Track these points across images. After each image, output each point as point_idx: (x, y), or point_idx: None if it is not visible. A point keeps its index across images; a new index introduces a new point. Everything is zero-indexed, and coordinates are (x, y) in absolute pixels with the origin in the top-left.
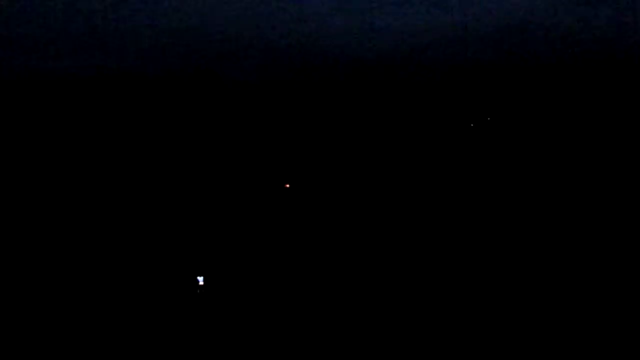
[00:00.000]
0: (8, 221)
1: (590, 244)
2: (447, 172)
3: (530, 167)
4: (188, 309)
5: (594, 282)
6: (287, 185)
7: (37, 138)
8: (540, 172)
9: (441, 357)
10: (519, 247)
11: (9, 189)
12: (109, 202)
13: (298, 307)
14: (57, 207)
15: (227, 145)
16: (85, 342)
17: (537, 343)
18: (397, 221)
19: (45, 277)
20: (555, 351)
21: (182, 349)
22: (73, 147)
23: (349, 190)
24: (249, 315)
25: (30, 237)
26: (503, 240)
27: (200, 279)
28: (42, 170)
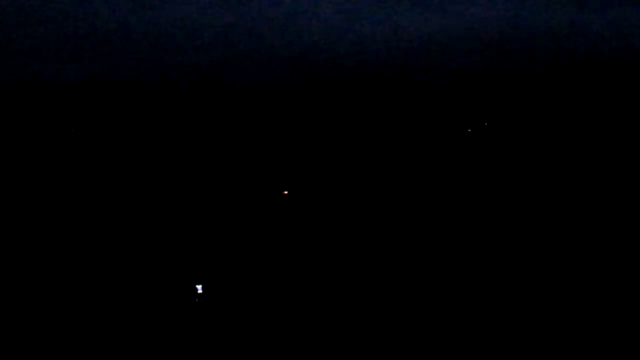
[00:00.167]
0: (1, 224)
1: (586, 242)
2: (445, 176)
3: (528, 170)
4: (187, 315)
5: (591, 283)
6: (286, 192)
7: (34, 143)
8: (537, 174)
9: (441, 357)
10: (516, 248)
11: (5, 192)
12: (106, 207)
13: (295, 310)
14: (53, 212)
15: (227, 150)
16: (84, 345)
17: (536, 342)
18: (392, 223)
19: (46, 284)
20: (555, 351)
21: (181, 352)
22: (73, 154)
23: (348, 193)
24: (247, 319)
25: (22, 245)
26: (499, 241)
27: (199, 287)
28: (39, 175)
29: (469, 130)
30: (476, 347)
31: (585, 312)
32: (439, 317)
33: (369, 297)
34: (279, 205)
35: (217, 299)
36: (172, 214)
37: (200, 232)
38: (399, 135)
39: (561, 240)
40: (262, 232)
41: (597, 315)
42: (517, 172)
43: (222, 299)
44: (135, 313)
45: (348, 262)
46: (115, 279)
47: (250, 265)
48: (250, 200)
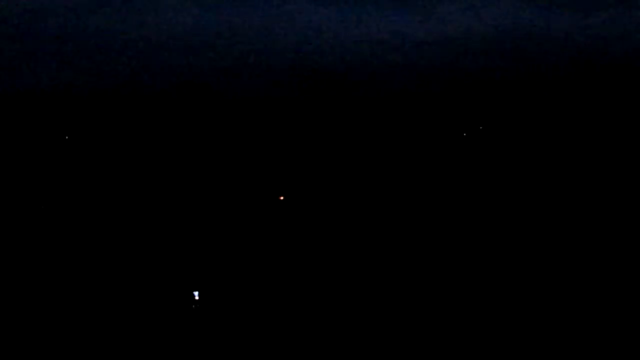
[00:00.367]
0: None
1: (586, 246)
2: (442, 178)
3: (528, 175)
4: (183, 321)
5: (589, 285)
6: (281, 198)
7: (28, 151)
8: (535, 178)
9: (441, 356)
10: (513, 252)
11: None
12: (102, 214)
13: (291, 316)
14: (48, 220)
15: (222, 157)
16: (80, 350)
17: (536, 342)
18: (389, 227)
19: (44, 289)
20: (555, 350)
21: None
22: (68, 161)
23: (345, 199)
24: (244, 324)
25: (18, 253)
26: (495, 245)
27: (196, 294)
28: (33, 183)
29: (464, 134)
30: (476, 348)
31: (585, 312)
32: (439, 323)
33: (366, 303)
34: (275, 211)
35: (214, 305)
36: (167, 221)
37: (196, 239)
38: (394, 140)
39: (560, 244)
40: (258, 238)
41: (597, 316)
42: (513, 176)
43: (218, 305)
44: (132, 319)
45: (345, 267)
46: (112, 286)
47: (247, 272)
48: (246, 206)
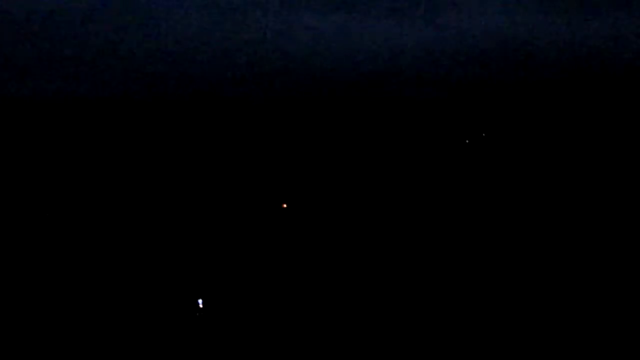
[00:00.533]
0: None
1: (586, 255)
2: (444, 186)
3: (528, 180)
4: (188, 329)
5: (586, 286)
6: (285, 205)
7: (30, 160)
8: (537, 184)
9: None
10: (513, 260)
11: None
12: (104, 223)
13: (295, 325)
14: (50, 228)
15: (224, 164)
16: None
17: (536, 342)
18: (391, 234)
19: (46, 300)
20: (555, 350)
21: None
22: (71, 169)
23: (347, 206)
24: (248, 333)
25: (19, 264)
26: (496, 253)
27: (200, 302)
28: (36, 191)
29: (467, 141)
30: (476, 348)
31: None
32: (441, 335)
33: (368, 313)
34: (278, 219)
35: (218, 313)
36: (170, 228)
37: (199, 247)
38: (395, 148)
39: (564, 250)
40: (261, 245)
41: (597, 320)
42: (516, 183)
43: (223, 313)
44: (136, 327)
45: (348, 276)
46: (114, 295)
47: (250, 279)
48: (249, 214)
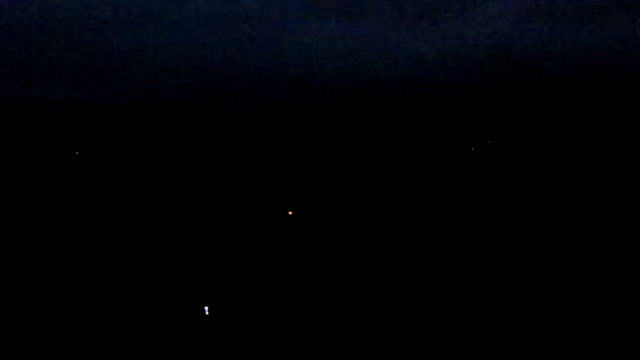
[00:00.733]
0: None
1: (589, 265)
2: (451, 194)
3: (534, 186)
4: (194, 336)
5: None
6: (290, 213)
7: (39, 165)
8: (543, 190)
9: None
10: (517, 267)
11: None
12: (111, 230)
13: (300, 331)
14: (57, 235)
15: (231, 171)
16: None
17: (536, 342)
18: (395, 241)
19: (53, 306)
20: (555, 351)
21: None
22: (78, 176)
23: (352, 213)
24: (253, 339)
25: (24, 270)
26: (501, 259)
27: (206, 309)
28: (43, 196)
29: (473, 148)
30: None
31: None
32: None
33: (372, 320)
34: (284, 226)
35: (224, 320)
36: (176, 236)
37: (204, 254)
38: (402, 155)
39: (568, 258)
40: (268, 253)
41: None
42: (522, 189)
43: (228, 320)
44: (142, 335)
45: (352, 282)
46: (121, 302)
47: (256, 286)
48: (256, 221)
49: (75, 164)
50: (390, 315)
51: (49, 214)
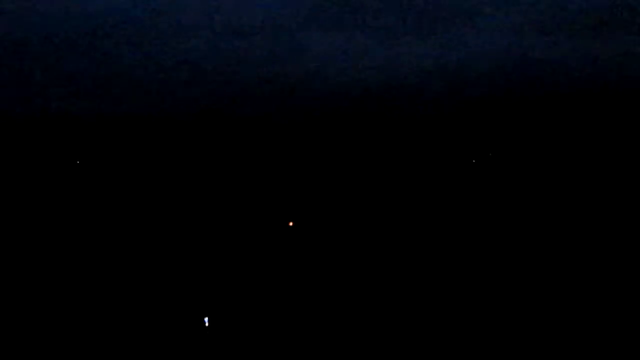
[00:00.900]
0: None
1: (591, 277)
2: (453, 206)
3: (534, 198)
4: (194, 348)
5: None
6: (291, 224)
7: (41, 175)
8: (545, 201)
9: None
10: (519, 279)
11: (10, 227)
12: (113, 240)
13: (300, 341)
14: (61, 245)
15: (232, 182)
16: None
17: (536, 342)
18: (396, 253)
19: (57, 313)
20: (555, 351)
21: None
22: (80, 186)
23: (352, 224)
24: (253, 349)
25: (28, 280)
26: (503, 272)
27: (206, 320)
28: (46, 209)
29: (474, 161)
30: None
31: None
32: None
33: (372, 330)
34: (285, 237)
35: (224, 331)
36: (178, 246)
37: (206, 264)
38: (402, 167)
39: (571, 272)
40: (268, 264)
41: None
42: (523, 201)
43: (228, 331)
44: (143, 345)
45: (353, 292)
46: (121, 312)
47: (257, 297)
48: (256, 232)
49: (76, 174)
50: (389, 325)
51: (51, 222)
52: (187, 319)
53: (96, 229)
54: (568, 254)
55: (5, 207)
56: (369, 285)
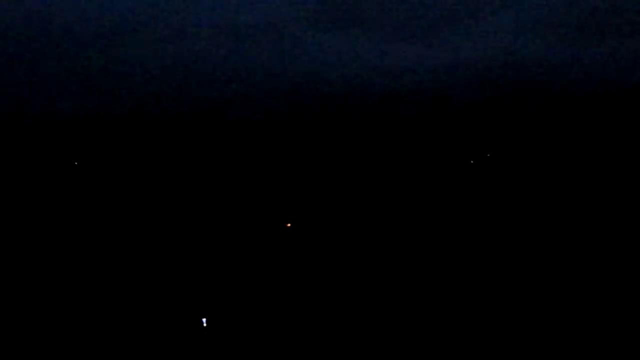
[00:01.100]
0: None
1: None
2: (451, 206)
3: (533, 200)
4: (192, 348)
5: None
6: (289, 225)
7: (39, 176)
8: (542, 203)
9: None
10: (518, 281)
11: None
12: (112, 240)
13: (299, 340)
14: (59, 251)
15: (231, 183)
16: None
17: (536, 342)
18: (394, 254)
19: (58, 315)
20: (556, 351)
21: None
22: (78, 186)
23: (351, 225)
24: (251, 349)
25: (26, 284)
26: (501, 271)
27: (204, 320)
28: (46, 209)
29: (472, 161)
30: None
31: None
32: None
33: (371, 332)
34: (282, 238)
35: (222, 332)
36: (177, 246)
37: (205, 264)
38: (401, 167)
39: (562, 276)
40: (266, 264)
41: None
42: (521, 203)
43: (226, 331)
44: (142, 345)
45: (351, 293)
46: (120, 313)
47: (255, 297)
48: (254, 233)
49: (74, 175)
50: (389, 324)
51: (51, 223)
52: (185, 320)
53: (96, 229)
54: (568, 254)
55: (5, 207)
56: (369, 285)
